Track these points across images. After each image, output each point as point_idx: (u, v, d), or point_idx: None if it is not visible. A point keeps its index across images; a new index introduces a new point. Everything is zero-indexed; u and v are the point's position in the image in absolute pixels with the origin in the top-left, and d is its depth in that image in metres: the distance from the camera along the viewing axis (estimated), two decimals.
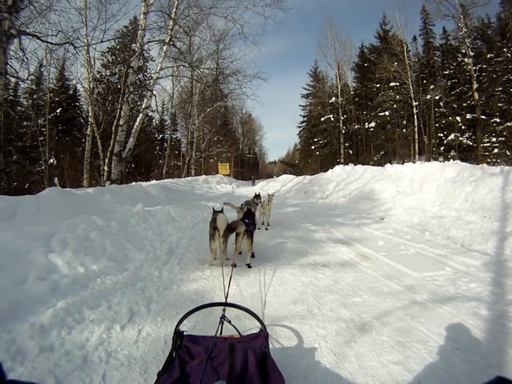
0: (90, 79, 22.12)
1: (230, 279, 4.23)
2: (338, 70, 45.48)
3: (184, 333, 2.68)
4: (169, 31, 17.84)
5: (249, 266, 6.08)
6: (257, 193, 10.79)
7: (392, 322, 3.84)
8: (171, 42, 17.70)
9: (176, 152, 50.34)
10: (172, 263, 6.27)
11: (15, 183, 29.01)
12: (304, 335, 3.64)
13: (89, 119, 23.79)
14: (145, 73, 23.08)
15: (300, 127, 59.87)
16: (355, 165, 23.38)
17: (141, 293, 4.75)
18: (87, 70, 21.85)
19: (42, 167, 27.23)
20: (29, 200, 7.23)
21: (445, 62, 38.58)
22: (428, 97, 34.81)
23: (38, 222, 6.25)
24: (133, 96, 17.38)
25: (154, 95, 17.84)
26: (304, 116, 57.51)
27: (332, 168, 24.94)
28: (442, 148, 36.15)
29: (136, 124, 17.72)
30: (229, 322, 3.07)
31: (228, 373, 2.00)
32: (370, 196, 15.37)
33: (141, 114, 18.07)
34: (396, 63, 35.29)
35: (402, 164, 18.42)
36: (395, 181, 15.10)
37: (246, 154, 77.68)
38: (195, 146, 40.48)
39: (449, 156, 32.33)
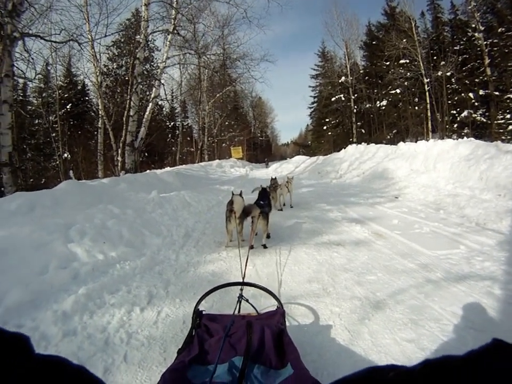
0: (98, 73, 22.05)
1: (247, 259, 4.27)
2: (346, 49, 44.66)
3: (203, 312, 2.77)
4: (173, 20, 17.79)
5: (264, 246, 6.10)
6: (273, 177, 10.80)
7: (406, 300, 3.83)
8: (175, 31, 17.75)
9: (189, 138, 50.23)
10: (189, 246, 6.35)
11: (31, 180, 29.27)
12: (319, 313, 3.67)
13: (100, 112, 23.92)
14: (152, 64, 23.18)
15: (310, 107, 59.88)
16: (368, 144, 22.89)
17: (159, 276, 4.85)
18: (94, 64, 21.82)
19: (57, 162, 27.60)
20: (46, 195, 7.37)
21: (455, 37, 37.60)
22: (440, 73, 33.90)
23: (56, 214, 6.42)
24: (141, 86, 17.47)
25: (163, 84, 17.98)
26: (314, 97, 57.37)
27: (344, 148, 24.66)
28: (455, 126, 35.56)
29: (147, 113, 17.80)
30: (247, 301, 3.08)
31: (245, 349, 2.04)
32: (384, 175, 15.14)
33: (150, 104, 18.14)
34: (404, 40, 34.29)
35: (416, 142, 17.87)
36: (408, 159, 14.83)
37: (258, 137, 77.32)
38: (207, 132, 40.34)
39: (462, 134, 30.93)
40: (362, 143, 24.07)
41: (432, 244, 5.75)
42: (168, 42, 18.24)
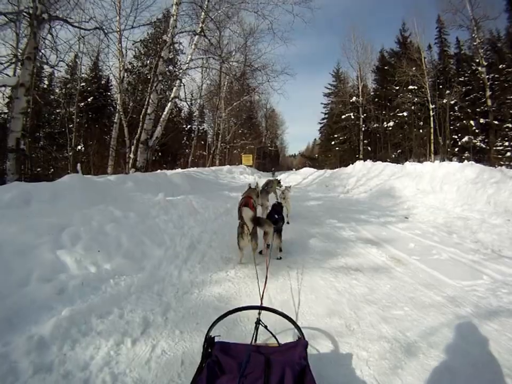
0: (121, 69, 21.62)
1: (266, 281, 3.82)
2: (360, 72, 44.94)
3: (216, 339, 2.41)
4: (201, 23, 17.16)
5: (279, 258, 5.77)
6: (279, 179, 10.65)
7: (439, 342, 3.25)
8: (202, 33, 16.95)
9: (202, 142, 49.38)
10: (193, 261, 5.54)
11: (38, 169, 28.18)
12: (343, 358, 3.05)
13: (118, 107, 23.36)
14: (176, 65, 22.34)
15: (320, 123, 59.93)
16: (373, 161, 22.54)
17: (157, 298, 4.08)
18: (119, 59, 21.43)
19: (70, 153, 26.81)
20: (45, 188, 6.43)
21: (460, 69, 38.50)
22: (444, 101, 34.42)
23: (52, 212, 5.49)
24: (161, 86, 16.76)
25: (183, 84, 17.23)
26: (325, 113, 57.58)
27: (352, 163, 24.22)
28: (456, 149, 35.71)
29: (164, 113, 17.04)
30: (265, 327, 2.69)
31: None
32: (391, 193, 14.37)
33: (169, 104, 17.33)
34: (414, 68, 35.11)
35: (419, 162, 18.20)
36: (415, 179, 14.20)
37: (268, 147, 76.64)
38: (221, 138, 39.72)
39: (463, 157, 31.67)
40: (368, 160, 23.75)
41: (454, 273, 5.19)
42: (193, 45, 17.48)
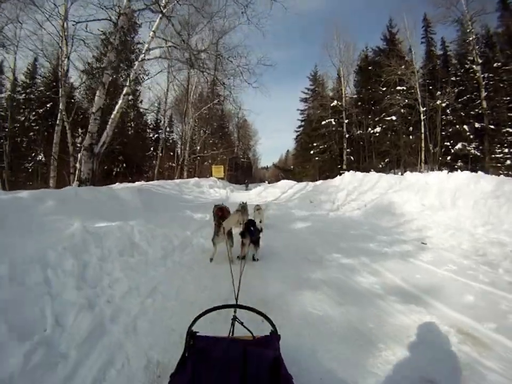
0: (64, 57, 19.15)
1: (240, 280, 3.28)
2: (342, 71, 43.27)
3: (197, 334, 2.40)
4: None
5: (253, 258, 6.54)
6: (243, 202, 10.43)
7: None
8: (163, 14, 14.19)
9: (172, 153, 48.05)
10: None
11: None
12: None
13: (60, 105, 20.11)
14: (130, 54, 19.34)
15: (297, 131, 58.09)
16: (356, 172, 20.94)
17: None
18: (59, 46, 19.41)
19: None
20: None
21: (449, 69, 37.47)
22: (438, 102, 32.72)
23: None
24: (110, 78, 13.96)
25: (140, 81, 14.63)
26: (302, 120, 55.92)
27: (333, 175, 23.36)
28: (448, 158, 33.66)
29: (114, 112, 14.17)
30: (241, 323, 2.68)
31: (240, 375, 1.87)
32: (390, 210, 12.57)
33: (120, 101, 14.46)
34: (403, 66, 33.93)
35: (409, 172, 17.04)
36: (418, 193, 12.59)
37: (240, 158, 77.02)
38: (189, 147, 38.00)
39: (456, 166, 29.82)
40: (351, 171, 21.60)
41: None
42: (152, 32, 14.79)
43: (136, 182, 22.39)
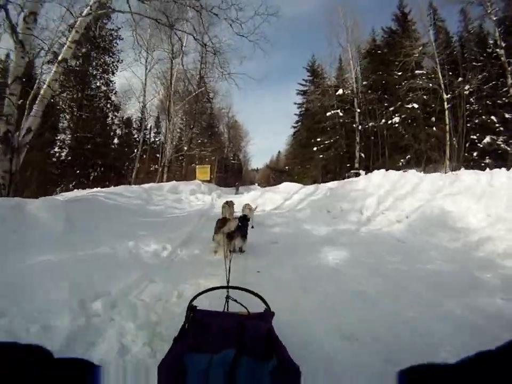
0: None
1: (229, 266, 4.03)
2: (350, 52, 37.43)
3: (197, 308, 2.62)
4: None
5: (241, 250, 7.32)
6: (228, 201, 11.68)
7: None
8: None
9: (157, 155, 44.10)
10: None
11: None
12: None
13: None
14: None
15: (294, 126, 53.38)
16: (366, 172, 18.98)
17: None
18: None
19: None
20: None
21: (468, 54, 33.47)
22: (466, 87, 29.18)
23: None
24: (33, 36, 9.78)
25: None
26: (300, 115, 51.26)
27: (341, 175, 20.94)
28: (475, 153, 29.87)
29: (44, 87, 10.15)
30: (235, 300, 3.01)
31: (238, 342, 1.95)
32: (445, 221, 9.70)
33: (53, 72, 10.27)
34: (420, 48, 30.68)
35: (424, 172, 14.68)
36: (481, 198, 9.90)
37: (230, 160, 76.15)
38: (172, 145, 35.33)
39: (482, 164, 26.13)
40: (381, 170, 17.88)
41: None
42: None
43: (87, 189, 20.05)
